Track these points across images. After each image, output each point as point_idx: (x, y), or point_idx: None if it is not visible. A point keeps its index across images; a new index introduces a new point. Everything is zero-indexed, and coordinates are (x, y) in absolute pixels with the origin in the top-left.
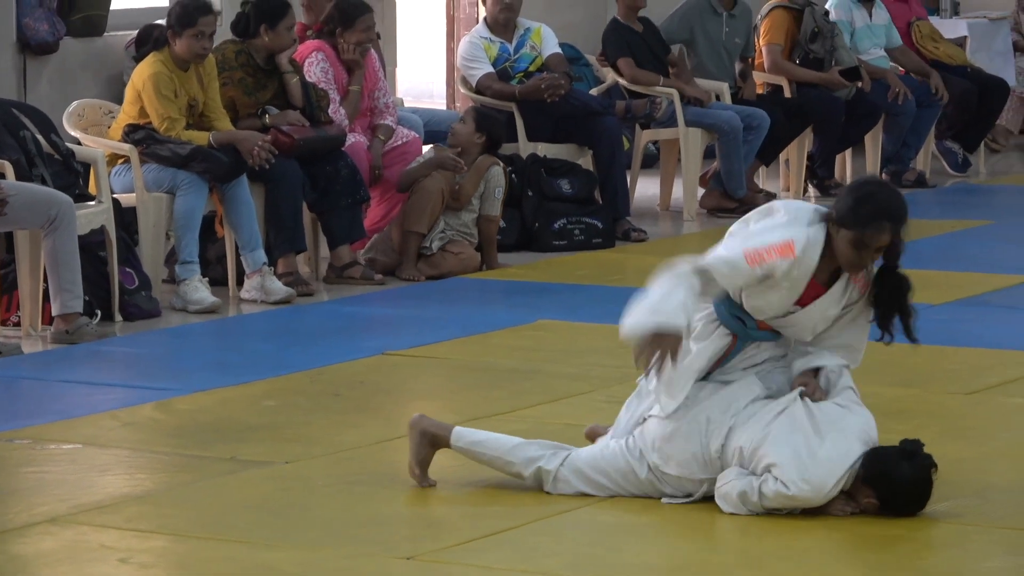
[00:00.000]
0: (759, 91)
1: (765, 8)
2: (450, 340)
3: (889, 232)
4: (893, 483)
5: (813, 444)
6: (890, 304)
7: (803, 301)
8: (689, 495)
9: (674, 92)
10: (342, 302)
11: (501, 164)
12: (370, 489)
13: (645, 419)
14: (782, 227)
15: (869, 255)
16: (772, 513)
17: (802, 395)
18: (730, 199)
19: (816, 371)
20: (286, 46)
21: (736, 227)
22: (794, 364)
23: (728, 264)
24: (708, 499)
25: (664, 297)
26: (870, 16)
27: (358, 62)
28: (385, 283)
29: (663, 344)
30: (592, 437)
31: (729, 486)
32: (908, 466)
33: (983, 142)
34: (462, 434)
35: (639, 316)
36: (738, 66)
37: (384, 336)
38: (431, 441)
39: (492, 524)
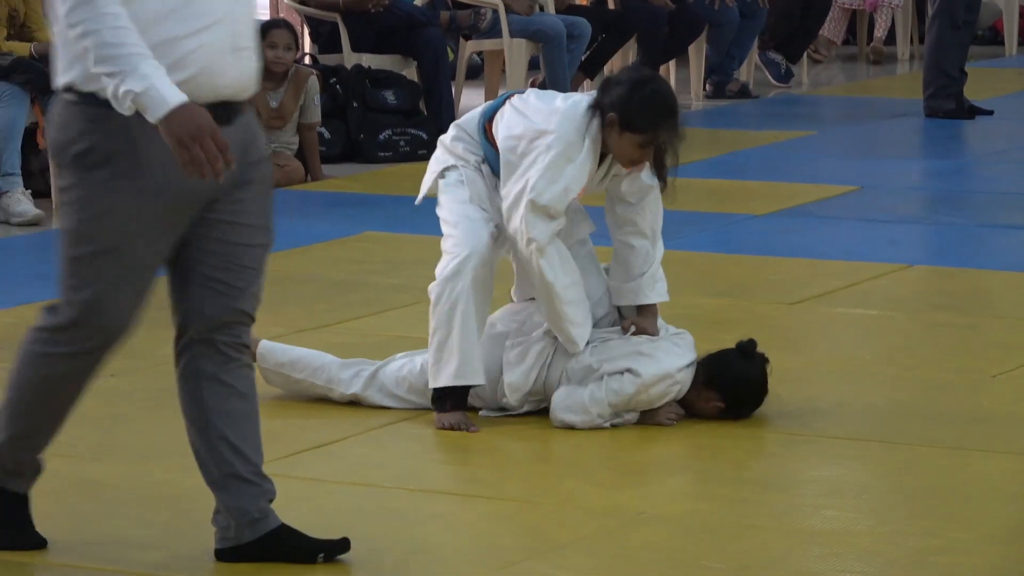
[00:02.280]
0: (582, 2)
1: None
2: (273, 252)
3: (675, 127)
4: (738, 382)
5: (657, 350)
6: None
7: None
8: (503, 409)
9: (498, 2)
10: None
11: (315, 72)
12: None
13: None
14: (562, 164)
15: (652, 151)
16: (604, 428)
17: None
18: None
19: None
20: None
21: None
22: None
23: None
24: (526, 415)
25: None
26: None
27: None
28: None
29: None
30: None
31: (574, 392)
32: (749, 364)
33: (806, 53)
34: (271, 350)
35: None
36: None
37: None
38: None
39: (316, 436)
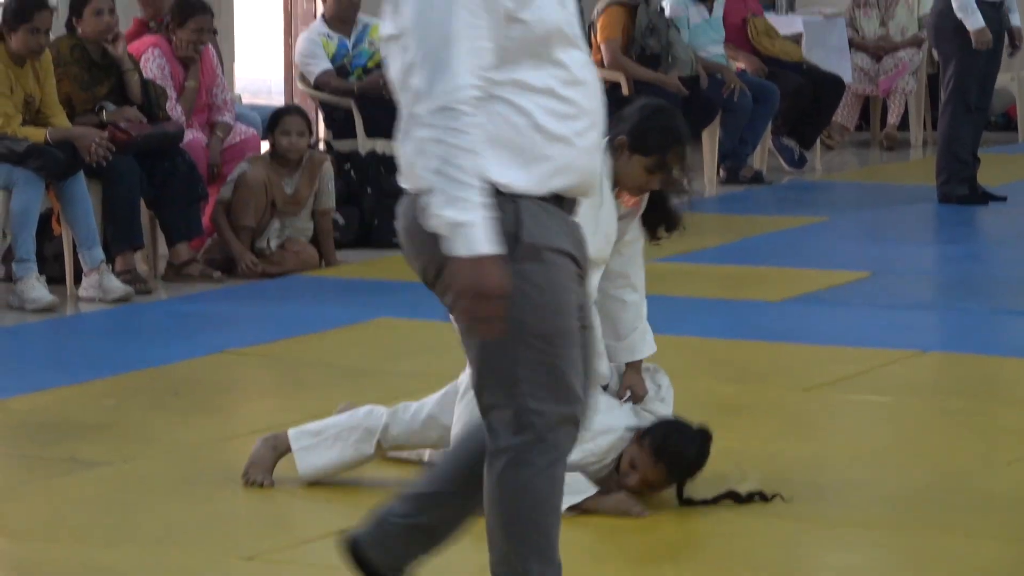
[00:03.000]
0: None
1: (600, 4)
2: (289, 338)
3: (684, 154)
4: (672, 451)
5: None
6: (659, 215)
7: None
8: None
9: None
10: (180, 300)
11: (330, 158)
12: (210, 488)
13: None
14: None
15: (659, 179)
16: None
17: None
18: None
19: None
20: (102, 29)
21: None
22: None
23: None
24: None
25: None
26: (709, 12)
27: (193, 58)
28: (223, 281)
29: None
30: None
31: None
32: (689, 432)
33: (819, 139)
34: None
35: None
36: None
37: (223, 334)
38: (273, 445)
39: (333, 522)
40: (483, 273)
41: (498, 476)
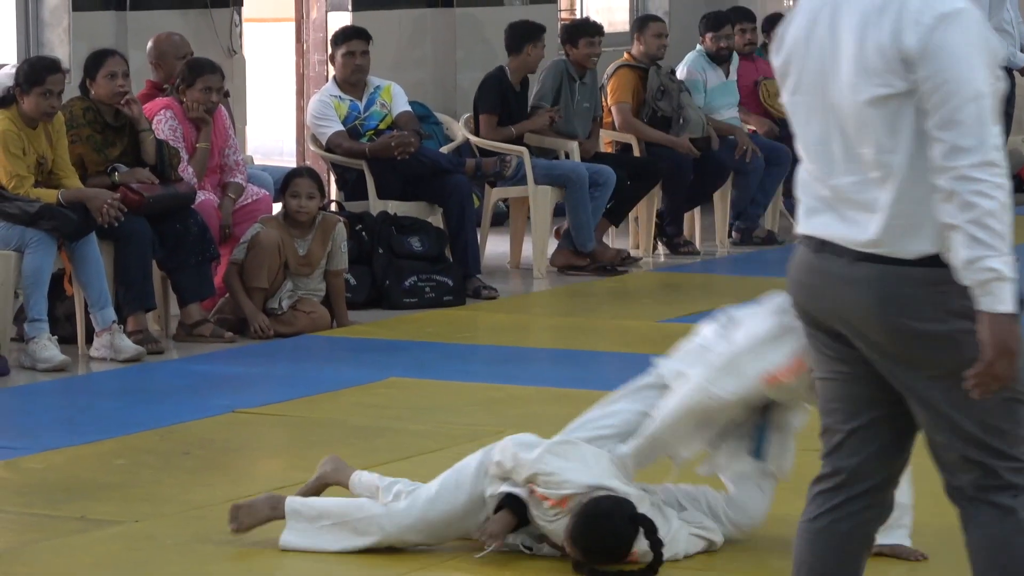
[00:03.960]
0: (608, 150)
1: (611, 68)
2: (300, 398)
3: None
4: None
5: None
6: None
7: None
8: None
9: (523, 150)
10: (192, 360)
11: (342, 220)
12: (220, 548)
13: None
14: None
15: None
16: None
17: None
18: (580, 256)
19: None
20: (115, 92)
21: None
22: None
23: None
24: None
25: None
26: (726, 75)
27: (205, 119)
28: (235, 341)
29: None
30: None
31: None
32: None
33: None
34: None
35: None
36: (591, 127)
37: (234, 394)
38: (272, 505)
39: None
40: (1013, 331)
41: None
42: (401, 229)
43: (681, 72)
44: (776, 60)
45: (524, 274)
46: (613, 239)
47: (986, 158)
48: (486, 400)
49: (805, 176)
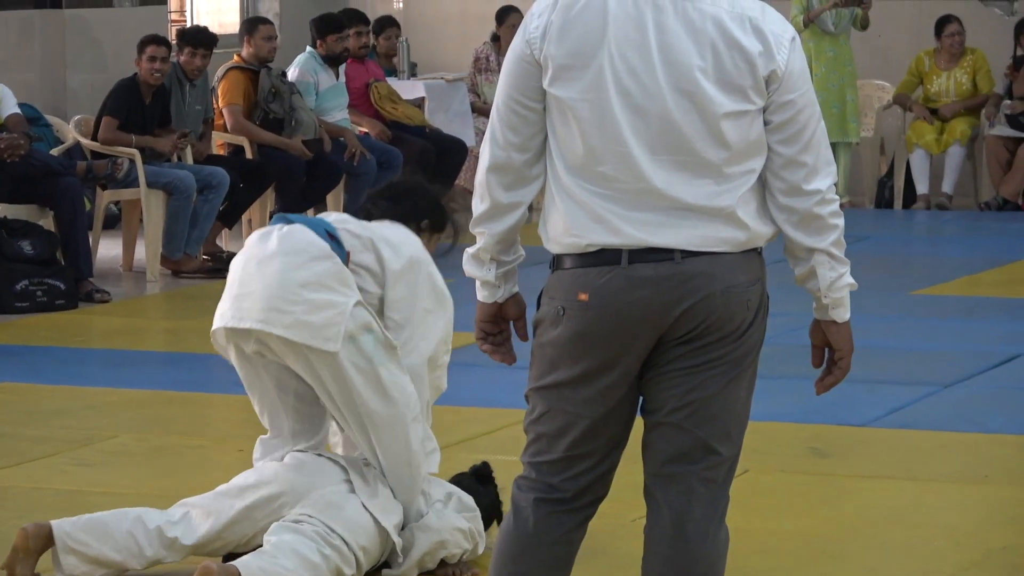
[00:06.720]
0: (220, 152)
1: (221, 70)
2: None
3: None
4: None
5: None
6: None
7: None
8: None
9: (135, 153)
10: None
11: None
12: None
13: None
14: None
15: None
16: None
17: None
18: (192, 259)
19: None
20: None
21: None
22: None
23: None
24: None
25: None
26: (336, 77)
27: None
28: None
29: None
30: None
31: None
32: (485, 489)
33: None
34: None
35: None
36: (202, 129)
37: None
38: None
39: None
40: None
41: (721, 535)
42: (11, 232)
43: (292, 74)
44: (553, 49)
45: (137, 277)
46: (227, 241)
47: (833, 180)
48: (101, 404)
49: (587, 178)
